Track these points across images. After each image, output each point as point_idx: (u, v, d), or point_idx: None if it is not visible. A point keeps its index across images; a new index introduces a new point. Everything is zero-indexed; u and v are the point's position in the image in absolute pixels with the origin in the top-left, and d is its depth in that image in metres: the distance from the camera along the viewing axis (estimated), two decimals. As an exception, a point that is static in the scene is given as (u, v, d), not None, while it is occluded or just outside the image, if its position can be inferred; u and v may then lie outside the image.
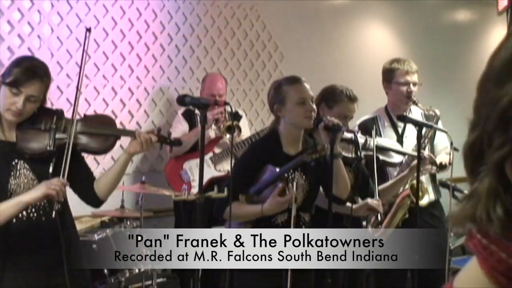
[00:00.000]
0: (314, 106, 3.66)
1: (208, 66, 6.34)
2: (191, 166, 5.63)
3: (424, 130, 4.55)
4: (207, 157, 5.62)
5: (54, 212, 2.97)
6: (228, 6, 6.48)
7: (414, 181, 4.46)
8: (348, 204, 3.90)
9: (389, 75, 4.71)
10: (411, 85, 4.65)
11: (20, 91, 3.02)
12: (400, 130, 4.68)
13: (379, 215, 4.47)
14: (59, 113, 3.21)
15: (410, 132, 4.58)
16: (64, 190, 2.97)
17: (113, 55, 5.78)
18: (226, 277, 3.53)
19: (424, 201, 4.56)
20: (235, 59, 6.55)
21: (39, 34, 5.40)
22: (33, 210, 3.11)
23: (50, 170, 3.10)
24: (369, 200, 4.03)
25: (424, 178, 4.63)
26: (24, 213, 3.09)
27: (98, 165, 5.56)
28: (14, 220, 3.07)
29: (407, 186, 4.49)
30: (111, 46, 5.78)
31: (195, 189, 5.45)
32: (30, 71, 3.05)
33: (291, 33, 6.93)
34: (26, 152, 3.10)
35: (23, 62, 3.14)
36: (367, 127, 4.57)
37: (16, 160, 3.11)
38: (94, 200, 3.29)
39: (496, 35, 8.36)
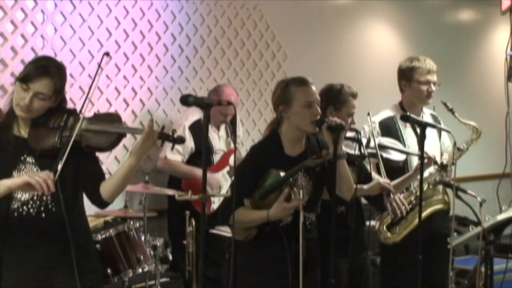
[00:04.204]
0: (319, 110, 3.66)
1: (211, 66, 6.34)
2: (210, 182, 5.61)
3: (464, 144, 4.57)
4: (224, 171, 5.60)
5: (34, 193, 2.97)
6: (231, 6, 6.48)
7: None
8: (360, 185, 3.91)
9: (409, 73, 4.65)
10: (432, 84, 4.62)
11: (28, 87, 3.08)
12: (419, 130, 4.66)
13: (391, 213, 4.48)
14: (71, 112, 3.24)
15: (430, 133, 4.55)
16: (50, 184, 2.93)
17: (116, 54, 5.78)
18: (230, 278, 3.52)
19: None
20: (238, 59, 6.55)
21: (43, 34, 5.40)
22: (33, 205, 3.13)
23: (59, 167, 3.09)
24: (380, 180, 4.05)
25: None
26: (25, 207, 3.11)
27: (102, 165, 5.56)
28: (15, 214, 3.10)
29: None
30: (114, 46, 5.78)
31: (215, 205, 5.43)
32: (41, 69, 3.11)
33: (295, 32, 6.93)
34: (36, 149, 3.14)
35: (39, 60, 3.22)
36: (389, 127, 4.55)
37: (25, 155, 3.15)
38: (98, 200, 3.28)
39: (499, 35, 8.34)
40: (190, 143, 5.54)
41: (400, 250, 4.51)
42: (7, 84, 5.20)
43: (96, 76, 3.32)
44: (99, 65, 3.29)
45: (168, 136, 3.15)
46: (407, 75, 4.67)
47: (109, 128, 3.20)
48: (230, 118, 5.73)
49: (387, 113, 4.70)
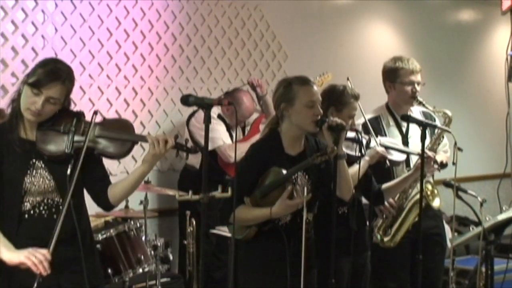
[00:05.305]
0: (321, 110, 3.66)
1: (212, 66, 6.35)
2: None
3: (436, 131, 4.56)
4: (254, 140, 5.61)
5: (35, 284, 2.94)
6: (232, 6, 6.48)
7: (428, 184, 4.48)
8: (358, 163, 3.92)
9: (393, 74, 4.64)
10: (416, 84, 4.62)
11: (40, 91, 3.07)
12: (404, 129, 4.66)
13: (385, 217, 4.49)
14: (79, 115, 3.22)
15: (414, 132, 4.56)
16: (46, 266, 2.94)
17: (117, 55, 5.79)
18: (230, 278, 3.53)
19: (436, 203, 4.55)
20: (239, 59, 6.55)
21: (43, 34, 5.40)
22: (45, 207, 3.14)
23: (68, 172, 3.10)
24: (377, 148, 4.10)
25: (431, 180, 4.62)
26: (37, 210, 3.13)
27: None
28: (26, 216, 3.12)
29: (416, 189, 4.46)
30: (115, 46, 5.78)
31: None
32: (53, 73, 3.09)
33: (295, 33, 6.93)
34: (45, 153, 3.14)
35: (48, 64, 3.18)
36: (373, 127, 4.55)
37: (34, 160, 3.14)
38: (105, 203, 3.29)
39: (499, 35, 8.34)
40: (223, 127, 5.69)
41: (390, 249, 4.52)
42: (7, 84, 5.20)
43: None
44: (91, 122, 3.19)
45: (182, 146, 3.20)
46: (390, 77, 4.67)
47: (124, 135, 3.20)
48: (242, 125, 5.92)
49: (370, 114, 4.70)
